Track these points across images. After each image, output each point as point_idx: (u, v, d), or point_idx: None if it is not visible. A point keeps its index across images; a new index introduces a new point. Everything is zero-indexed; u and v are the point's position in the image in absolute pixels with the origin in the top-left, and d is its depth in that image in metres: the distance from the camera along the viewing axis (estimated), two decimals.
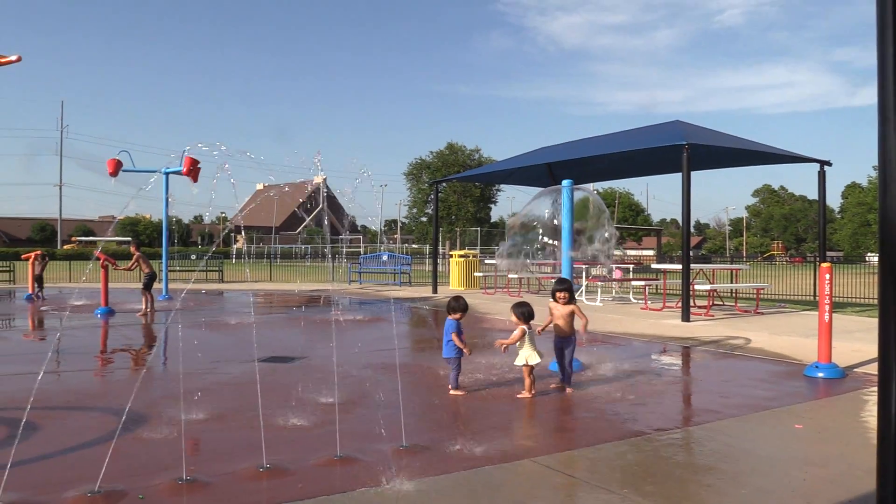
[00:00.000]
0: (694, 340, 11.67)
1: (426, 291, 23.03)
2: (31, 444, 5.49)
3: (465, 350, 7.49)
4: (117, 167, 20.28)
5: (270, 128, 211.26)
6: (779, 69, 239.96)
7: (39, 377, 8.02)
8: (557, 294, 7.79)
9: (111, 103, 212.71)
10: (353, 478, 4.69)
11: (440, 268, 27.54)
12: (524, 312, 7.45)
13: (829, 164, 16.69)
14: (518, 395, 7.34)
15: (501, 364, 8.91)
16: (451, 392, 7.43)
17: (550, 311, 7.79)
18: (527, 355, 7.32)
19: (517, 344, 7.42)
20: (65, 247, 79.79)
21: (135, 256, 16.08)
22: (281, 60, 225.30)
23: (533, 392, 7.35)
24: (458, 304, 7.61)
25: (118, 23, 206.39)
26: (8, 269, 29.21)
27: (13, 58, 7.58)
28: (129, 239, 26.63)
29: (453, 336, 7.47)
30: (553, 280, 8.86)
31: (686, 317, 13.86)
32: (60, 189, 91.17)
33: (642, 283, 18.11)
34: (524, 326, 7.39)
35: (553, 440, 6.03)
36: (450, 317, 7.61)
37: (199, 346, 10.79)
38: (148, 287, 15.84)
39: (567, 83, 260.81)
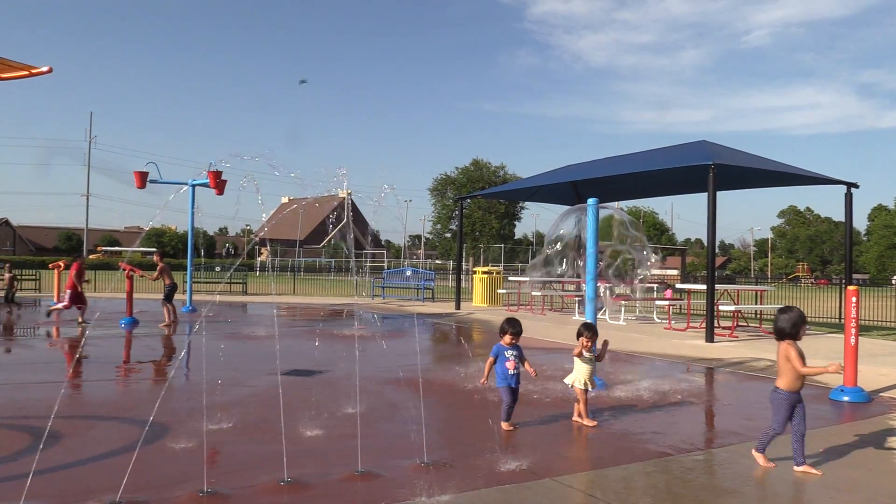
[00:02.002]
0: (717, 361, 11.56)
1: (449, 307, 23.00)
2: (53, 453, 5.54)
3: (482, 380, 6.93)
4: (145, 178, 20.46)
5: (293, 142, 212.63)
6: (805, 90, 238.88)
7: (63, 386, 8.10)
8: (802, 328, 5.60)
9: (134, 114, 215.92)
10: (374, 494, 4.69)
11: (463, 284, 27.50)
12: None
13: (856, 186, 16.56)
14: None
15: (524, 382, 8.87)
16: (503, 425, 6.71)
17: (789, 354, 5.54)
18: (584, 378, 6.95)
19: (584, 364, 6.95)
20: (90, 256, 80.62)
21: (159, 267, 16.24)
22: (305, 74, 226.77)
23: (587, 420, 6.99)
24: (504, 326, 6.72)
25: (143, 36, 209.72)
26: (34, 277, 29.57)
27: (44, 69, 7.71)
28: (154, 250, 26.80)
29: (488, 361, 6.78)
30: (576, 297, 8.61)
31: (710, 338, 13.74)
32: (87, 199, 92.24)
33: (666, 302, 17.98)
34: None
35: (576, 460, 6.00)
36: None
37: (221, 359, 10.84)
38: (169, 298, 15.99)
39: (592, 101, 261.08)
